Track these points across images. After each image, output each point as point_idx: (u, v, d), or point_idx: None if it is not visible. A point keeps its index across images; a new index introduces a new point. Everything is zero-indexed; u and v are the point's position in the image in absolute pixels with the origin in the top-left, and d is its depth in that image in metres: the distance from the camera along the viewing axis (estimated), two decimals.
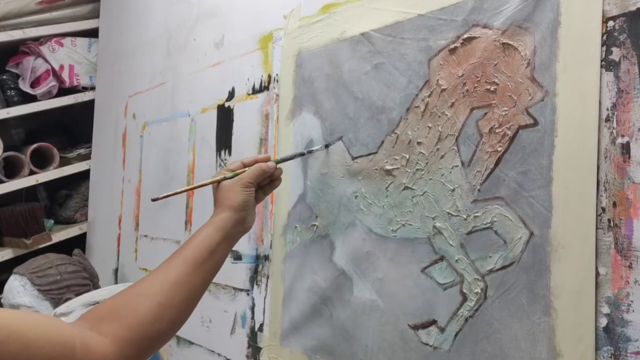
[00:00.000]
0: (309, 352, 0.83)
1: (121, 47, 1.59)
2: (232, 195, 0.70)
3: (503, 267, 0.60)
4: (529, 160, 0.58)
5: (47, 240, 1.61)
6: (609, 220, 0.52)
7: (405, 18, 0.73)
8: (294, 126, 0.90)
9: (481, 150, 0.63)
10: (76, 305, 1.10)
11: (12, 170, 1.63)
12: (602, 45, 0.53)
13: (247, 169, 0.73)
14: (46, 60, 1.69)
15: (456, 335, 0.64)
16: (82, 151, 1.76)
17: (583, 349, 0.53)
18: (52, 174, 1.68)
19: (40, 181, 1.65)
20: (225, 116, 1.10)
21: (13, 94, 1.70)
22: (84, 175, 1.74)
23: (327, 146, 0.83)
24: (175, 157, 1.27)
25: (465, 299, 0.63)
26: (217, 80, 1.13)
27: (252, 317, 0.97)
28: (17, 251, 1.58)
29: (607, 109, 0.53)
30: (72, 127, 1.91)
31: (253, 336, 0.97)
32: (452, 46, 0.67)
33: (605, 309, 0.52)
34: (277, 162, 0.77)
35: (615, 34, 0.53)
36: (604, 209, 0.53)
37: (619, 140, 0.52)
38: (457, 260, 0.65)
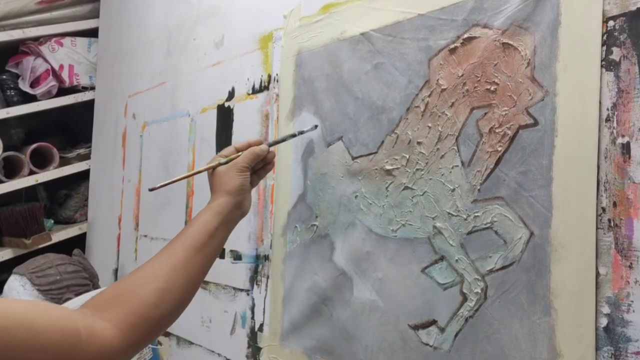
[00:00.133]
0: (309, 352, 0.83)
1: (121, 47, 1.59)
2: (227, 180, 0.71)
3: (503, 267, 0.60)
4: (529, 160, 0.58)
5: (47, 240, 1.61)
6: (609, 220, 0.52)
7: (405, 18, 0.73)
8: (294, 126, 0.90)
9: (481, 150, 0.63)
10: (76, 305, 1.10)
11: (11, 170, 1.63)
12: (603, 45, 0.53)
13: (240, 153, 0.74)
14: (46, 60, 1.69)
15: (456, 335, 0.64)
16: (81, 151, 1.76)
17: (583, 349, 0.53)
18: (51, 173, 1.68)
19: (40, 181, 1.65)
20: (225, 116, 1.10)
21: (13, 93, 1.70)
22: (84, 175, 1.74)
23: (316, 126, 0.83)
24: (175, 157, 1.26)
25: (465, 299, 0.63)
26: (217, 80, 1.13)
27: (252, 317, 0.97)
28: (17, 251, 1.58)
29: (608, 109, 0.53)
30: (72, 127, 1.91)
31: (253, 336, 0.97)
32: (452, 46, 0.67)
33: (606, 309, 0.52)
34: (270, 144, 0.78)
35: (616, 33, 0.53)
36: (604, 209, 0.52)
37: (619, 140, 0.52)
38: (457, 260, 0.65)
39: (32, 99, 1.70)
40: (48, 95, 1.71)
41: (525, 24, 0.60)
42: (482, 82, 0.63)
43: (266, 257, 0.95)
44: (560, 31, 0.57)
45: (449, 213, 0.66)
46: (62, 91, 1.73)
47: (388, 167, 0.74)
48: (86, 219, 1.73)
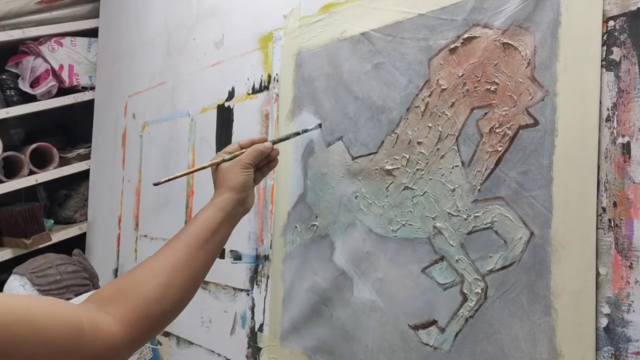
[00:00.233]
0: (309, 352, 0.83)
1: (121, 47, 1.59)
2: (231, 177, 0.71)
3: (503, 267, 0.60)
4: (529, 160, 0.58)
5: (47, 240, 1.61)
6: (609, 220, 0.52)
7: (405, 18, 0.73)
8: (294, 126, 0.90)
9: (481, 150, 0.63)
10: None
11: (11, 170, 1.63)
12: (603, 45, 0.53)
13: (244, 150, 0.74)
14: (46, 60, 1.69)
15: (456, 335, 0.64)
16: (81, 151, 1.76)
17: (583, 349, 0.53)
18: (51, 173, 1.68)
19: (39, 181, 1.65)
20: (225, 116, 1.10)
21: (12, 93, 1.70)
22: (84, 175, 1.74)
23: (320, 125, 0.83)
24: (175, 157, 1.26)
25: (465, 299, 0.63)
26: (217, 80, 1.13)
27: (252, 318, 0.97)
28: (17, 251, 1.58)
29: (608, 109, 0.53)
30: (72, 127, 1.91)
31: (253, 336, 0.97)
32: (452, 46, 0.67)
33: (606, 309, 0.52)
34: (274, 142, 0.78)
35: (616, 33, 0.53)
36: (604, 209, 0.52)
37: (620, 140, 0.52)
38: (457, 261, 0.65)
39: (32, 99, 1.69)
40: (48, 95, 1.71)
41: (526, 24, 0.60)
42: (482, 82, 0.63)
43: (266, 257, 0.95)
44: (561, 31, 0.56)
45: (449, 213, 0.66)
46: (62, 91, 1.73)
47: (388, 167, 0.74)
48: (86, 219, 1.73)
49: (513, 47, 0.60)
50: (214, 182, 0.73)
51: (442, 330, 0.65)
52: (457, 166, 0.65)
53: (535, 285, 0.57)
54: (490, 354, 0.60)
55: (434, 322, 0.67)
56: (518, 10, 0.60)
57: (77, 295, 1.21)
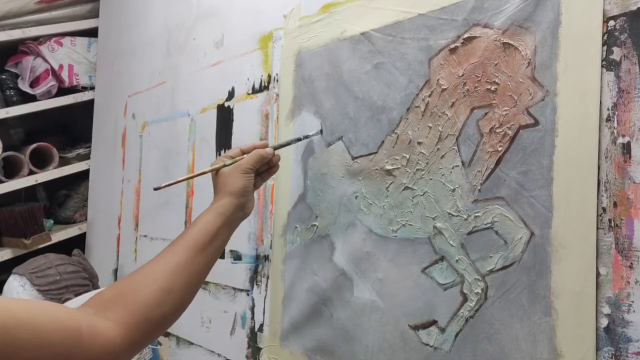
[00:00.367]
0: (309, 352, 0.83)
1: (121, 47, 1.59)
2: (231, 181, 0.71)
3: (504, 268, 0.60)
4: (529, 160, 0.58)
5: (47, 240, 1.61)
6: (609, 220, 0.52)
7: (405, 17, 0.73)
8: (294, 126, 0.90)
9: (482, 150, 0.63)
10: (76, 306, 1.10)
11: (11, 170, 1.63)
12: (603, 45, 0.53)
13: (245, 155, 0.74)
14: (45, 60, 1.69)
15: (457, 335, 0.64)
16: (81, 151, 1.76)
17: (584, 349, 0.52)
18: (51, 174, 1.68)
19: (39, 181, 1.65)
20: (225, 116, 1.10)
21: (12, 93, 1.69)
22: (84, 175, 1.74)
23: (322, 131, 0.83)
24: (175, 157, 1.26)
25: (465, 299, 0.63)
26: (217, 80, 1.13)
27: (252, 318, 0.97)
28: (17, 251, 1.58)
29: (608, 109, 0.53)
30: (72, 127, 1.91)
31: (253, 336, 0.97)
32: (452, 46, 0.67)
33: (606, 309, 0.52)
34: (275, 148, 0.78)
35: (616, 33, 0.53)
36: (604, 209, 0.52)
37: (620, 140, 0.52)
38: (457, 261, 0.65)
39: (32, 98, 1.69)
40: (48, 95, 1.71)
41: (526, 24, 0.59)
42: (483, 82, 0.63)
43: (266, 257, 0.95)
44: (561, 31, 0.56)
45: (449, 213, 0.66)
46: (62, 91, 1.73)
47: (388, 167, 0.74)
48: (86, 219, 1.73)
49: (513, 47, 0.60)
50: (214, 187, 0.73)
51: (443, 330, 0.65)
52: (457, 166, 0.65)
53: (535, 285, 0.57)
54: (491, 354, 0.60)
55: (434, 322, 0.67)
56: (518, 10, 0.60)
57: (76, 295, 1.20)
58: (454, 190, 0.65)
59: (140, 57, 1.48)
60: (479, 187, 0.63)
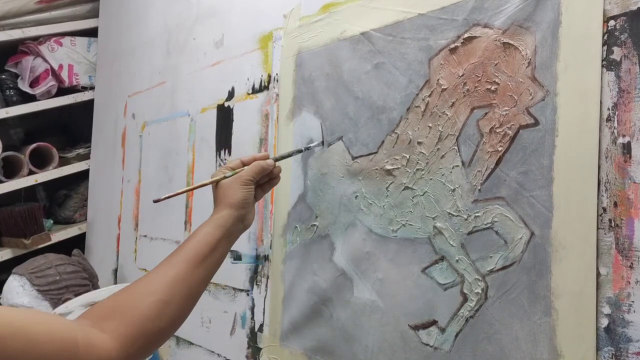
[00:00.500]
0: (309, 352, 0.83)
1: (120, 47, 1.59)
2: (231, 193, 0.70)
3: (504, 268, 0.60)
4: (529, 160, 0.58)
5: (47, 240, 1.61)
6: (610, 220, 0.52)
7: (405, 17, 0.73)
8: (294, 126, 0.90)
9: (482, 150, 0.63)
10: (75, 306, 1.10)
11: (11, 170, 1.63)
12: (603, 45, 0.53)
13: (245, 167, 0.73)
14: (45, 60, 1.69)
15: (457, 335, 0.64)
16: (81, 151, 1.76)
17: (584, 349, 0.52)
18: (51, 174, 1.67)
19: (39, 181, 1.65)
20: (225, 116, 1.10)
21: (12, 93, 1.69)
22: (83, 175, 1.74)
23: (323, 143, 0.83)
24: (175, 157, 1.26)
25: (465, 299, 0.63)
26: (217, 79, 1.13)
27: (252, 318, 0.97)
28: (16, 251, 1.58)
29: (608, 109, 0.53)
30: (72, 127, 1.91)
31: (253, 337, 0.97)
32: (452, 46, 0.67)
33: (606, 310, 0.52)
34: (276, 159, 0.78)
35: (616, 33, 0.53)
36: (605, 209, 0.52)
37: (620, 140, 0.52)
38: (457, 261, 0.64)
39: (32, 98, 1.69)
40: (47, 95, 1.71)
41: (526, 24, 0.59)
42: (483, 82, 0.63)
43: (266, 258, 0.95)
44: (561, 31, 0.56)
45: (449, 213, 0.66)
46: (62, 91, 1.73)
47: (388, 167, 0.74)
48: (86, 219, 1.73)
49: (513, 46, 0.60)
50: (214, 198, 0.72)
51: (443, 330, 0.65)
52: (457, 166, 0.65)
53: (535, 285, 0.57)
54: (491, 354, 0.60)
55: (434, 323, 0.67)
56: (518, 10, 0.60)
57: (76, 295, 1.20)
58: (454, 190, 0.65)
59: (140, 57, 1.48)
60: (479, 187, 0.63)
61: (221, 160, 1.10)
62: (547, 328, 0.55)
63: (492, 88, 0.62)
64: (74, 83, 1.73)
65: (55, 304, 1.19)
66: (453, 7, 0.67)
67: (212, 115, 1.14)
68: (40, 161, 1.68)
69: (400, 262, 0.71)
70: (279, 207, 0.92)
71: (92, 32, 1.77)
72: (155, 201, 0.72)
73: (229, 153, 1.08)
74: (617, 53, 0.52)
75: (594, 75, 0.53)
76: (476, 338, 0.62)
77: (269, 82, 0.98)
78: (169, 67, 1.32)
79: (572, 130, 0.55)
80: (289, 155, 0.83)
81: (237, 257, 1.02)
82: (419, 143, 0.70)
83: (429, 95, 0.69)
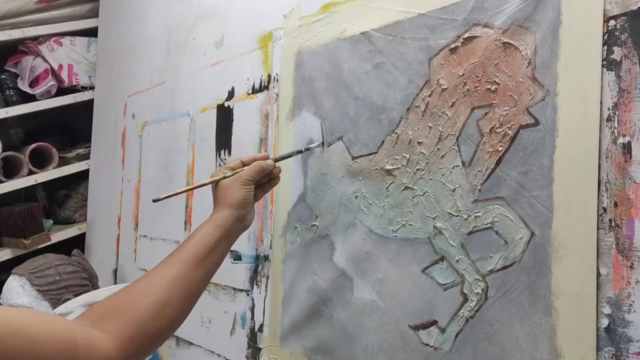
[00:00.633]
0: (309, 352, 0.83)
1: (120, 47, 1.59)
2: (231, 193, 0.70)
3: (504, 268, 0.60)
4: (530, 160, 0.58)
5: (46, 240, 1.61)
6: (610, 220, 0.52)
7: (405, 17, 0.73)
8: (294, 126, 0.90)
9: (482, 150, 0.63)
10: (75, 306, 1.10)
11: (10, 170, 1.63)
12: (604, 45, 0.53)
13: (245, 167, 0.73)
14: (45, 60, 1.69)
15: (457, 335, 0.64)
16: (81, 151, 1.76)
17: (584, 349, 0.52)
18: (51, 174, 1.67)
19: (39, 181, 1.65)
20: (224, 116, 1.10)
21: (12, 93, 1.69)
22: (83, 175, 1.74)
23: (323, 144, 0.83)
24: (175, 157, 1.26)
25: (466, 299, 0.63)
26: (217, 79, 1.13)
27: (252, 318, 0.97)
28: (16, 251, 1.58)
29: (609, 109, 0.53)
30: (71, 127, 1.90)
31: (253, 337, 0.97)
32: (452, 45, 0.66)
33: (607, 310, 0.52)
34: (276, 160, 0.78)
35: (617, 33, 0.53)
36: (605, 209, 0.52)
37: (620, 140, 0.52)
38: (457, 261, 0.64)
39: (31, 98, 1.69)
40: (47, 95, 1.71)
41: (526, 24, 0.59)
42: (483, 82, 0.63)
43: (266, 258, 0.95)
44: (561, 31, 0.56)
45: (449, 213, 0.66)
46: (62, 91, 1.73)
47: (388, 167, 0.74)
48: (85, 219, 1.73)
49: (514, 46, 0.60)
50: (214, 198, 0.72)
51: (443, 330, 0.65)
52: (457, 166, 0.65)
53: (535, 285, 0.57)
54: (491, 354, 0.60)
55: (434, 323, 0.66)
56: (519, 10, 0.60)
57: (76, 295, 1.20)
58: (454, 190, 0.65)
59: (140, 57, 1.47)
60: (479, 187, 0.63)
61: (221, 160, 1.10)
62: (548, 328, 0.55)
63: (492, 88, 0.62)
64: (74, 83, 1.73)
65: (55, 304, 1.19)
66: (453, 7, 0.67)
67: (212, 115, 1.14)
68: (40, 161, 1.68)
69: (400, 262, 0.71)
70: (279, 207, 0.92)
71: (92, 32, 1.77)
72: (155, 200, 0.72)
73: (229, 153, 1.08)
74: (617, 53, 0.52)
75: (594, 75, 0.53)
76: (476, 338, 0.62)
77: (269, 82, 0.98)
78: (169, 67, 1.32)
79: (573, 130, 0.55)
80: (289, 155, 0.83)
81: (237, 257, 1.02)
82: (419, 143, 0.70)
83: (429, 95, 0.69)
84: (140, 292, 0.59)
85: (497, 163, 0.61)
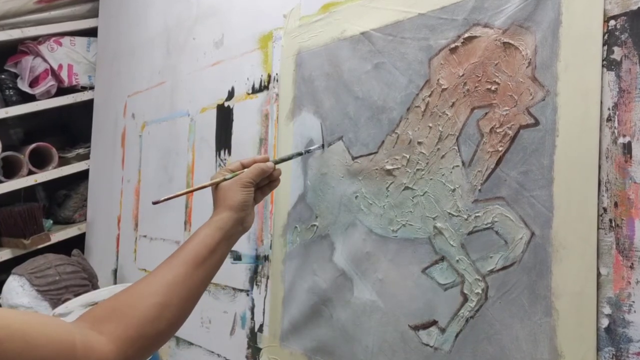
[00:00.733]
0: (309, 353, 0.83)
1: (120, 47, 1.59)
2: (231, 195, 0.70)
3: (504, 268, 0.60)
4: (530, 160, 0.58)
5: (46, 240, 1.61)
6: (610, 220, 0.52)
7: (405, 17, 0.73)
8: (294, 126, 0.90)
9: (482, 150, 0.63)
10: (75, 306, 1.10)
11: (10, 170, 1.63)
12: (604, 45, 0.53)
13: (245, 169, 0.73)
14: (45, 60, 1.68)
15: (457, 335, 0.64)
16: (81, 151, 1.76)
17: (584, 349, 0.52)
18: (50, 174, 1.67)
19: (39, 181, 1.65)
20: (224, 116, 1.10)
21: (12, 93, 1.69)
22: (83, 175, 1.74)
23: (323, 146, 0.83)
24: (175, 157, 1.26)
25: (466, 299, 0.63)
26: (217, 79, 1.13)
27: (252, 318, 0.97)
28: (16, 251, 1.58)
29: (609, 109, 0.53)
30: (71, 127, 1.90)
31: (253, 337, 0.97)
32: (452, 45, 0.66)
33: (607, 310, 0.52)
34: (276, 162, 0.78)
35: (617, 33, 0.53)
36: (605, 209, 0.52)
37: (621, 140, 0.52)
38: (457, 261, 0.64)
39: (31, 98, 1.69)
40: (47, 95, 1.71)
41: (526, 24, 0.59)
42: (483, 82, 0.63)
43: (266, 258, 0.95)
44: (562, 31, 0.56)
45: (449, 213, 0.66)
46: (61, 91, 1.73)
47: (388, 167, 0.74)
48: (85, 219, 1.73)
49: (514, 46, 0.60)
50: (214, 201, 0.72)
51: (443, 330, 0.65)
52: (457, 166, 0.65)
53: (536, 285, 0.57)
54: (491, 354, 0.60)
55: (434, 323, 0.66)
56: (519, 10, 0.60)
57: (76, 295, 1.20)
58: (454, 190, 0.65)
59: (140, 57, 1.47)
60: (479, 187, 0.63)
61: (221, 160, 1.10)
62: (548, 328, 0.55)
63: (493, 88, 0.62)
64: (74, 83, 1.73)
65: (54, 304, 1.19)
66: (453, 7, 0.67)
67: (212, 115, 1.14)
68: (39, 161, 1.68)
69: (400, 262, 0.71)
70: (279, 207, 0.92)
71: (91, 32, 1.77)
72: (155, 203, 0.72)
73: (229, 153, 1.08)
74: (617, 53, 0.52)
75: (595, 75, 0.53)
76: (476, 338, 0.62)
77: (268, 82, 0.98)
78: (169, 67, 1.32)
79: (573, 130, 0.55)
80: (289, 158, 0.83)
81: (237, 257, 1.02)
82: (419, 143, 0.70)
83: (429, 95, 0.69)
84: (140, 294, 0.59)
85: (497, 163, 0.61)
